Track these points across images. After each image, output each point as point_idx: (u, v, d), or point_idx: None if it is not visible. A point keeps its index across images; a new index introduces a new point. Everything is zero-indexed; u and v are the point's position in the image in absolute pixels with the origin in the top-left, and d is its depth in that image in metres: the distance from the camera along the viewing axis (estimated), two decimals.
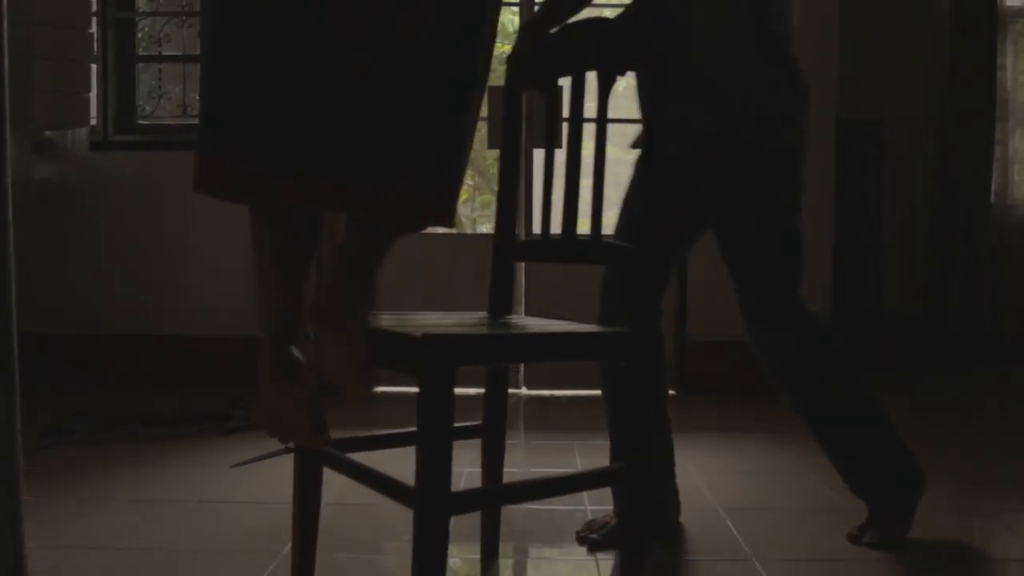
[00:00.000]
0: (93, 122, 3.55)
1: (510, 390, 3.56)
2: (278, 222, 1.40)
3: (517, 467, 2.58)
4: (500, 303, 1.72)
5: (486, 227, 5.86)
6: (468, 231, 5.71)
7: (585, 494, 2.22)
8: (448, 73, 1.30)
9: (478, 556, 1.89)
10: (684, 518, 2.03)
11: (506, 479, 2.41)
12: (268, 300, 1.42)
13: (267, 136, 1.26)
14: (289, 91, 1.25)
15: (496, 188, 1.80)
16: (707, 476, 2.28)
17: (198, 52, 3.79)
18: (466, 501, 1.46)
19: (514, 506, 2.16)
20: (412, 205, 1.30)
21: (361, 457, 1.50)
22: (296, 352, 1.39)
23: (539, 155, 3.73)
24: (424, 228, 1.38)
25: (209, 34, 1.31)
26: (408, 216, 1.32)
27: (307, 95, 1.25)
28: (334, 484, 2.25)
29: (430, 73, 1.28)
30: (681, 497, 2.06)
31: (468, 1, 1.30)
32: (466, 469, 2.44)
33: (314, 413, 1.38)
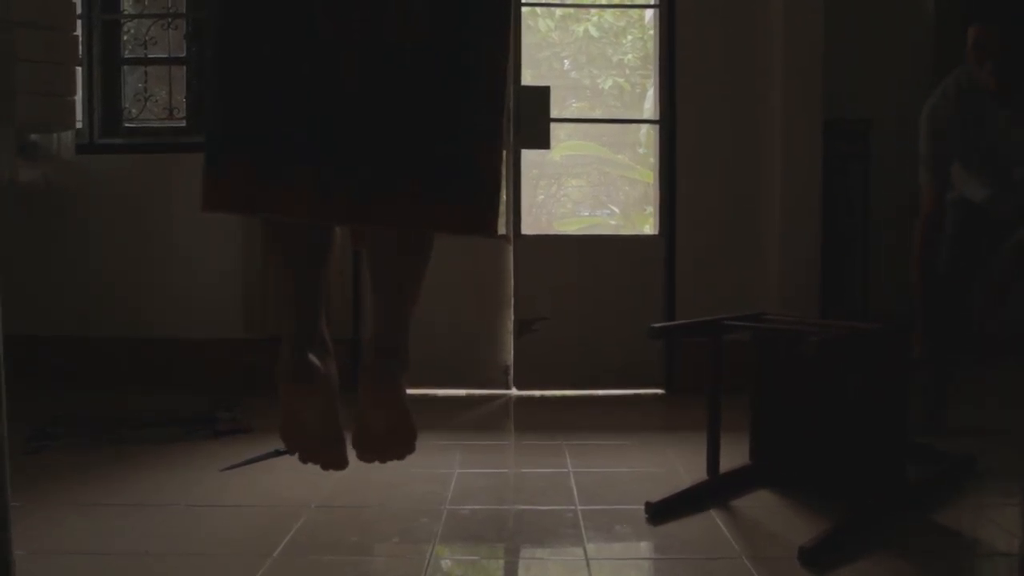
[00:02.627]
0: (79, 125, 3.53)
1: (498, 391, 3.58)
2: (293, 233, 1.39)
3: (507, 467, 2.59)
4: None
5: None
6: None
7: (576, 493, 2.22)
8: (457, 75, 1.27)
9: (476, 557, 1.89)
10: (672, 518, 2.04)
11: (495, 479, 2.42)
12: (287, 308, 1.42)
13: (284, 154, 1.22)
14: (300, 108, 1.22)
15: None
16: (695, 475, 2.29)
17: (184, 55, 3.81)
18: None
19: (504, 506, 2.17)
20: (436, 214, 1.27)
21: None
22: (314, 359, 1.40)
23: (528, 155, 3.73)
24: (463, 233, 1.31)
25: (215, 51, 1.28)
26: (435, 226, 1.29)
27: (316, 111, 1.22)
28: (322, 486, 2.25)
29: (434, 78, 1.25)
30: (671, 497, 2.08)
31: (468, 5, 1.27)
32: (456, 470, 2.44)
33: (332, 424, 1.41)
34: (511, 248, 3.57)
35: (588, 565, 1.78)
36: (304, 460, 1.43)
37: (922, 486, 2.23)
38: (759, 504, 2.17)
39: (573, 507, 2.11)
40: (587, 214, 5.70)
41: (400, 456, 1.47)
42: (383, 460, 1.47)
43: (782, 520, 2.05)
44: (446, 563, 1.82)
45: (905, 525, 2.02)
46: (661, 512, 2.04)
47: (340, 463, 1.43)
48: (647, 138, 4.72)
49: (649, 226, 4.04)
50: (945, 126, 2.56)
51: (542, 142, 3.62)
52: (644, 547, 1.96)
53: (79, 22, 3.46)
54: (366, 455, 1.47)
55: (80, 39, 3.41)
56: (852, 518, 1.95)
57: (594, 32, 5.30)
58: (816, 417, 2.21)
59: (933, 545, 1.92)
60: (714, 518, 2.04)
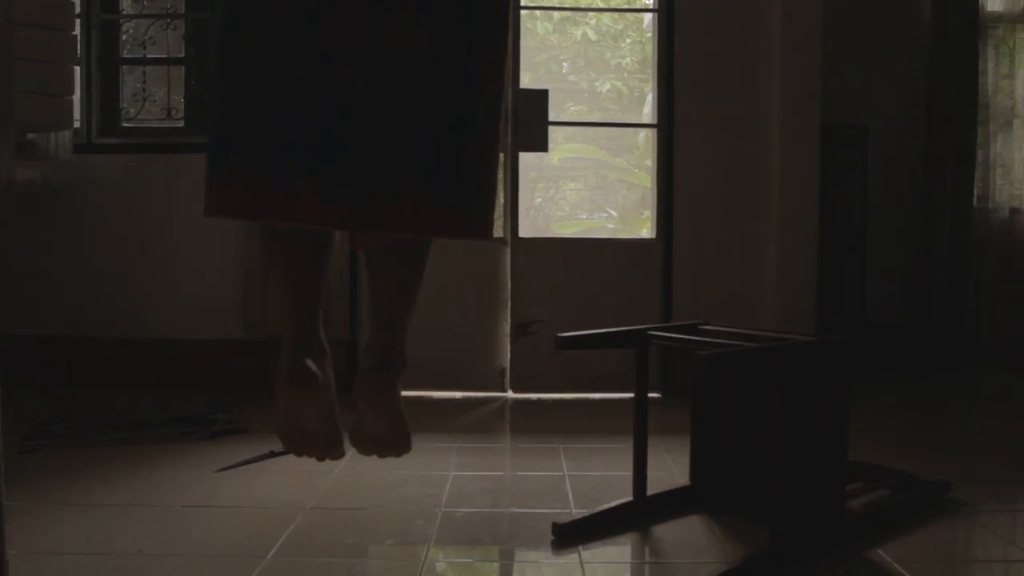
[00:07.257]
0: (76, 124, 3.53)
1: (495, 394, 3.58)
2: (292, 237, 1.40)
3: (503, 470, 2.58)
4: None
5: None
6: None
7: (571, 496, 2.22)
8: (457, 82, 1.28)
9: (471, 560, 1.89)
10: (667, 522, 2.03)
11: (491, 482, 2.42)
12: (286, 312, 1.44)
13: (286, 160, 1.24)
14: (302, 114, 1.23)
15: None
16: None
17: (183, 55, 3.81)
18: None
19: (500, 509, 2.16)
20: (436, 219, 1.28)
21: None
22: (312, 363, 1.42)
23: (526, 158, 3.74)
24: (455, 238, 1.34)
25: (219, 59, 1.29)
26: (435, 231, 1.31)
27: (317, 117, 1.23)
28: (317, 488, 2.25)
29: (435, 84, 1.26)
30: (665, 501, 2.08)
31: (469, 14, 1.29)
32: (452, 473, 2.44)
33: (330, 425, 1.45)
34: (508, 251, 3.58)
35: (583, 568, 1.78)
36: (300, 455, 1.48)
37: (863, 517, 1.97)
38: (675, 531, 2.01)
39: (568, 510, 2.11)
40: (585, 217, 5.71)
41: (397, 455, 1.49)
42: (381, 456, 1.51)
43: (689, 550, 1.91)
44: (440, 566, 1.82)
45: (816, 564, 1.78)
46: (570, 534, 1.92)
47: (337, 456, 1.49)
48: (645, 142, 4.73)
49: (647, 230, 4.05)
50: None
51: (540, 145, 3.63)
52: (639, 551, 1.95)
53: (78, 22, 3.46)
54: (364, 452, 1.51)
55: (79, 39, 3.41)
56: (750, 558, 1.74)
57: (592, 35, 5.31)
58: (747, 437, 2.03)
59: None
60: (708, 521, 2.04)
